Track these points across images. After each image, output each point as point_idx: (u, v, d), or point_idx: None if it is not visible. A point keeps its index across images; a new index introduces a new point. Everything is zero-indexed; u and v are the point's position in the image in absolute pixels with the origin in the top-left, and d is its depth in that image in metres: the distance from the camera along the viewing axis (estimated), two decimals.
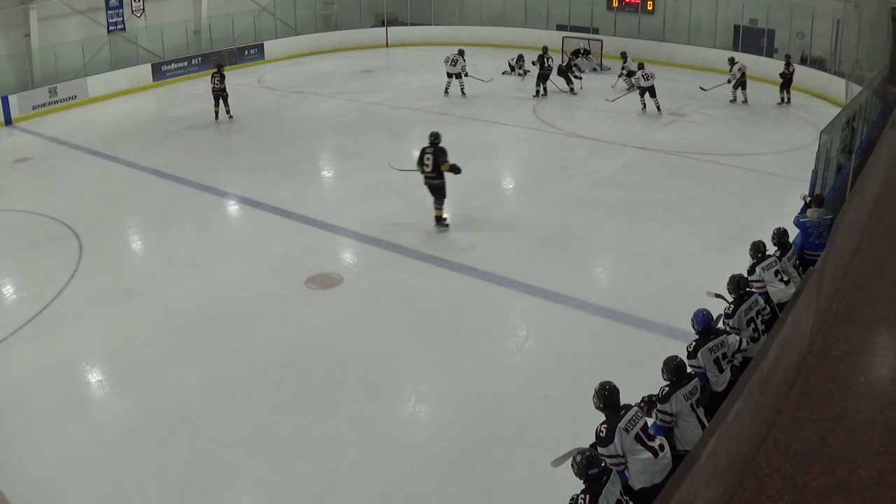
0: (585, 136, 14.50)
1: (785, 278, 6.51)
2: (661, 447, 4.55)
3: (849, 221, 6.88)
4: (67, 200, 11.79)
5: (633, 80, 17.01)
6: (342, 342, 7.70)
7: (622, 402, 4.61)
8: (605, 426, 4.51)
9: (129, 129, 16.00)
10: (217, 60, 18.45)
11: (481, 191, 11.83)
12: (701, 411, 4.89)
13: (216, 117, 16.36)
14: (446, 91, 18.04)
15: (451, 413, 6.55)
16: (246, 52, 22.59)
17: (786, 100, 16.86)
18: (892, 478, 4.37)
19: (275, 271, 9.27)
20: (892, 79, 15.56)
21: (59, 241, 10.22)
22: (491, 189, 12.16)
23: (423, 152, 10.04)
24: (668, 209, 10.95)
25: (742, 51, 19.93)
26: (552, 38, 22.18)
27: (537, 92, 17.72)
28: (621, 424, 4.47)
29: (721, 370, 5.37)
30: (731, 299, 5.97)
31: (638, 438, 4.48)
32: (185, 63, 21.08)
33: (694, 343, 5.43)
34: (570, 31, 22.73)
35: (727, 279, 6.02)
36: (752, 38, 20.16)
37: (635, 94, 16.52)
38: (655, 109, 16.05)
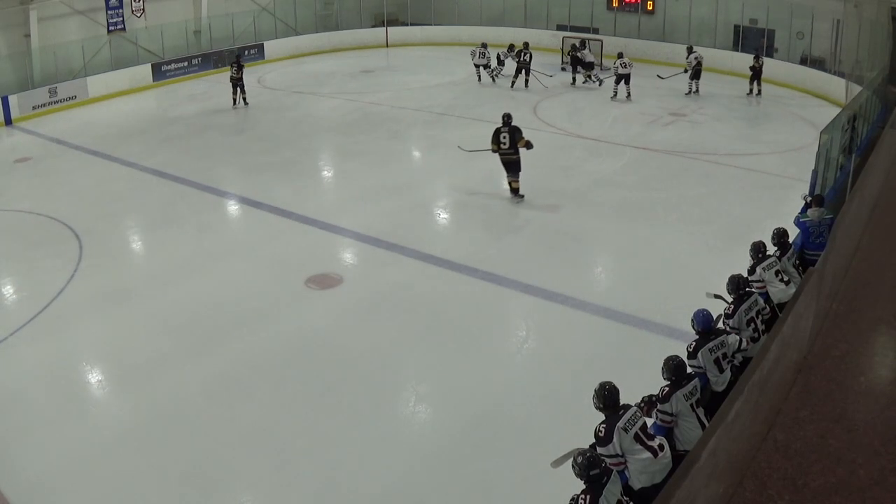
0: (585, 136, 14.51)
1: (785, 278, 6.50)
2: (661, 447, 4.55)
3: (849, 221, 6.87)
4: (67, 200, 11.79)
5: (612, 67, 17.78)
6: (342, 342, 7.70)
7: (622, 402, 4.62)
8: (604, 426, 4.51)
9: (129, 129, 16.01)
10: (236, 52, 19.76)
11: (481, 191, 11.82)
12: (701, 411, 4.89)
13: (234, 104, 17.60)
14: (480, 78, 19.72)
15: (451, 413, 6.55)
16: (246, 52, 22.54)
17: (756, 91, 17.51)
18: (892, 478, 4.37)
19: (275, 271, 9.27)
20: (892, 79, 15.55)
21: (59, 241, 10.23)
22: (491, 189, 12.14)
23: (498, 132, 10.94)
24: (668, 209, 10.95)
25: (742, 51, 19.97)
26: (553, 38, 22.22)
27: (512, 83, 18.85)
28: (620, 424, 4.47)
29: (721, 370, 5.37)
30: (731, 299, 5.97)
31: (637, 438, 4.49)
32: (185, 63, 21.08)
33: (694, 343, 5.43)
34: (570, 31, 22.72)
35: (727, 279, 6.02)
36: (752, 39, 20.17)
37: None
38: (625, 96, 17.19)
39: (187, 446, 6.16)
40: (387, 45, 25.23)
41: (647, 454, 4.47)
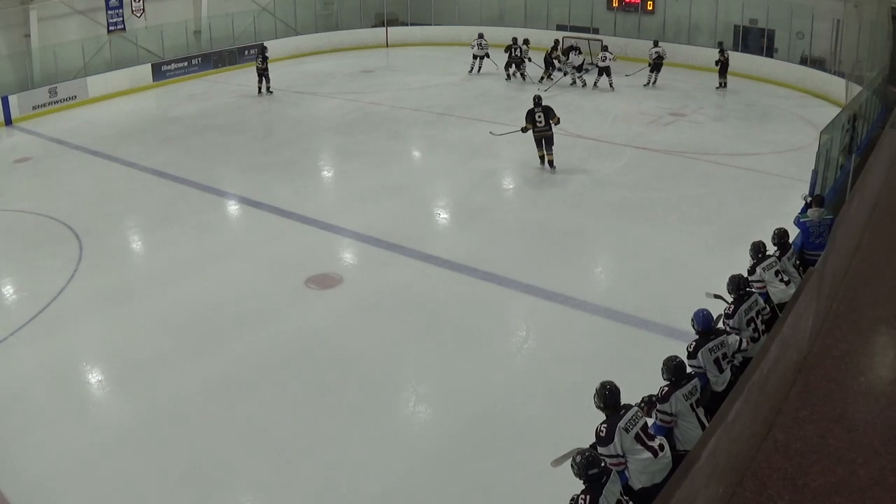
0: (585, 136, 14.50)
1: (785, 278, 6.50)
2: (661, 447, 4.55)
3: (849, 221, 6.88)
4: (67, 200, 11.79)
5: (596, 60, 18.75)
6: (342, 342, 7.70)
7: (622, 402, 4.61)
8: (605, 426, 4.51)
9: (129, 129, 16.00)
10: (262, 44, 20.11)
11: (481, 190, 11.83)
12: (701, 411, 4.89)
13: (259, 92, 18.66)
14: (478, 70, 20.34)
15: (451, 413, 6.55)
16: (246, 52, 22.57)
17: (723, 84, 18.22)
18: (892, 478, 4.37)
19: (275, 271, 9.27)
20: (892, 79, 15.56)
21: (59, 241, 10.22)
22: (491, 189, 12.16)
23: (532, 112, 12.31)
24: (668, 209, 10.95)
25: (742, 51, 19.97)
26: (551, 39, 22.17)
27: (508, 75, 19.62)
28: (621, 424, 4.47)
29: (721, 370, 5.37)
30: (731, 299, 5.97)
31: (638, 438, 4.48)
32: (185, 63, 21.07)
33: (694, 343, 5.43)
34: (570, 31, 22.71)
35: (727, 279, 6.02)
36: (751, 39, 20.18)
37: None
38: (608, 87, 18.19)
39: (187, 446, 6.16)
40: (387, 45, 25.23)
41: (648, 454, 4.47)
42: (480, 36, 20.40)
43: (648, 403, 4.93)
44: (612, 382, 4.63)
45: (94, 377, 7.41)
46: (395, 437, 6.24)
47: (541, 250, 9.65)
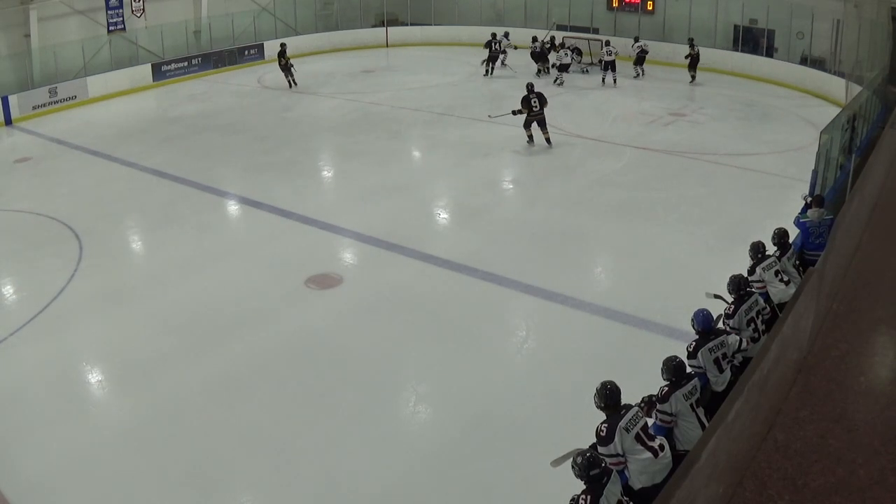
0: (585, 136, 14.50)
1: (785, 278, 6.50)
2: (661, 447, 4.55)
3: (849, 221, 6.87)
4: (67, 200, 11.80)
5: (601, 55, 19.24)
6: (342, 342, 7.70)
7: (622, 402, 4.61)
8: (606, 425, 4.51)
9: (129, 129, 16.01)
10: (282, 41, 20.77)
11: (481, 190, 11.83)
12: (701, 411, 4.89)
13: (289, 86, 19.40)
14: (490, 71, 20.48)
15: (451, 413, 6.54)
16: (246, 52, 22.58)
17: (693, 78, 18.93)
18: (892, 478, 4.37)
19: (275, 271, 9.27)
20: (892, 79, 15.55)
21: (59, 241, 10.23)
22: (491, 189, 12.15)
23: (527, 98, 13.38)
24: (668, 209, 10.95)
25: (742, 51, 19.96)
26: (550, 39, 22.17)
27: (486, 71, 20.11)
28: (622, 424, 4.47)
29: (721, 370, 5.37)
30: (731, 299, 5.97)
31: (638, 438, 4.48)
32: (185, 63, 21.08)
33: (694, 343, 5.42)
34: (570, 31, 22.72)
35: (727, 279, 6.02)
36: (751, 39, 20.17)
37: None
38: (612, 81, 18.63)
39: (187, 446, 6.16)
40: (387, 45, 25.23)
41: (648, 454, 4.47)
42: (506, 35, 21.09)
43: (648, 403, 4.93)
44: (613, 382, 4.63)
45: (94, 377, 7.41)
46: (395, 437, 6.24)
47: (541, 250, 9.65)
